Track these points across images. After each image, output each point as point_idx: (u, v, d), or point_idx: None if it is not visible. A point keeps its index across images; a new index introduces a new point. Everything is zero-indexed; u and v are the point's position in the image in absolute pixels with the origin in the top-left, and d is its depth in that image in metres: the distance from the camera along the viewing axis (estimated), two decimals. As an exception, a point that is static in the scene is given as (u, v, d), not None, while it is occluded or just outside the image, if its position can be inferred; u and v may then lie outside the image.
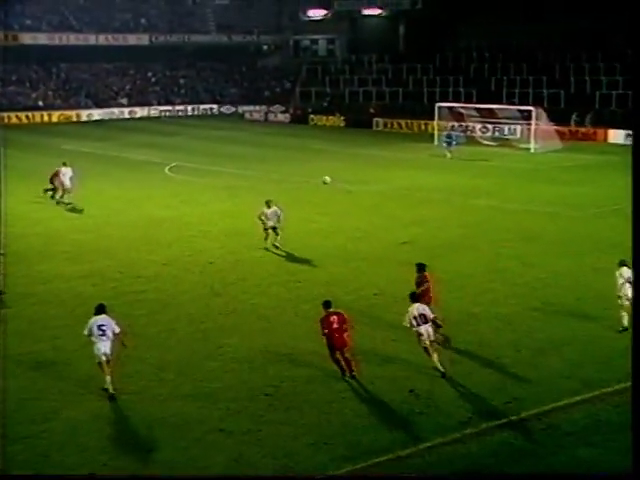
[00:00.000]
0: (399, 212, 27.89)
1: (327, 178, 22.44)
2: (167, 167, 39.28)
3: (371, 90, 64.42)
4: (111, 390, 13.08)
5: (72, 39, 72.63)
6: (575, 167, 38.87)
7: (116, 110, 70.22)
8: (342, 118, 61.78)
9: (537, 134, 44.51)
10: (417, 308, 13.81)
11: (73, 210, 28.68)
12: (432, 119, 49.81)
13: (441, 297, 15.92)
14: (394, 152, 45.32)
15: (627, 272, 14.96)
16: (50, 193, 29.85)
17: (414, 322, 13.70)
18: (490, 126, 49.10)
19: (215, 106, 74.87)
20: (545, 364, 14.34)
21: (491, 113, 48.62)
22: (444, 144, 41.97)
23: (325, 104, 66.12)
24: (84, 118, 67.61)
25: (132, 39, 75.56)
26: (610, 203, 27.89)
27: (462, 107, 49.87)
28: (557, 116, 47.54)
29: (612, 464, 10.86)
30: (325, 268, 20.82)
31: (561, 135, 46.22)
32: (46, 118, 66.08)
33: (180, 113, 72.93)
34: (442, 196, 30.65)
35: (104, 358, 13.12)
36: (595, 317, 16.48)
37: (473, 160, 40.51)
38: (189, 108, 73.84)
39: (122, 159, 42.83)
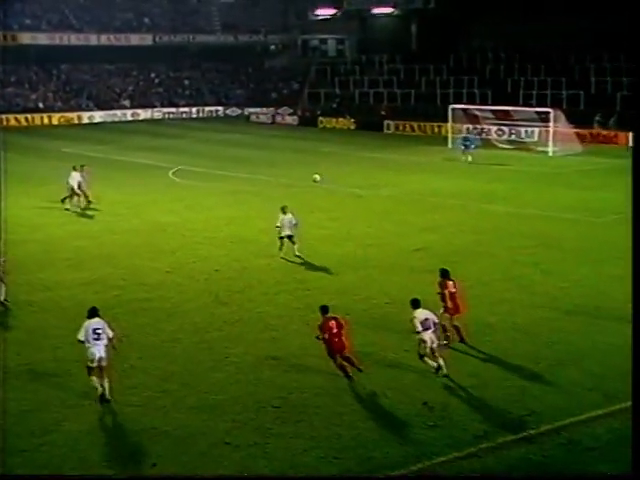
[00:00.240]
0: (412, 218, 27.90)
1: (317, 176, 22.53)
2: (171, 171, 39.44)
3: (382, 91, 64.52)
4: (108, 396, 13.24)
5: (73, 39, 73.10)
6: (595, 171, 38.79)
7: (118, 112, 70.60)
8: (352, 120, 61.91)
9: (556, 137, 44.46)
10: (421, 313, 14.06)
11: (84, 215, 28.70)
12: (445, 121, 49.88)
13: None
14: (406, 155, 45.36)
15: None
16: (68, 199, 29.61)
17: (421, 327, 13.93)
18: (506, 129, 49.07)
19: (220, 108, 75.19)
20: (565, 376, 14.29)
21: (507, 115, 48.59)
22: (461, 147, 41.92)
23: (334, 106, 66.26)
24: (85, 120, 68.01)
25: (135, 39, 75.98)
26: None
27: (477, 109, 49.88)
28: (577, 118, 47.47)
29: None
30: (335, 276, 20.84)
31: (581, 138, 46.13)
32: (46, 120, 66.49)
33: (184, 115, 73.26)
34: (456, 201, 30.64)
35: (98, 363, 13.27)
36: (616, 327, 16.42)
37: (488, 164, 40.48)
38: (193, 110, 74.19)
39: (124, 163, 43.02)
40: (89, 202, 29.76)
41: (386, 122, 59.33)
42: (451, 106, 49.62)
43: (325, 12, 76.10)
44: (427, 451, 11.80)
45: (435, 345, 14.08)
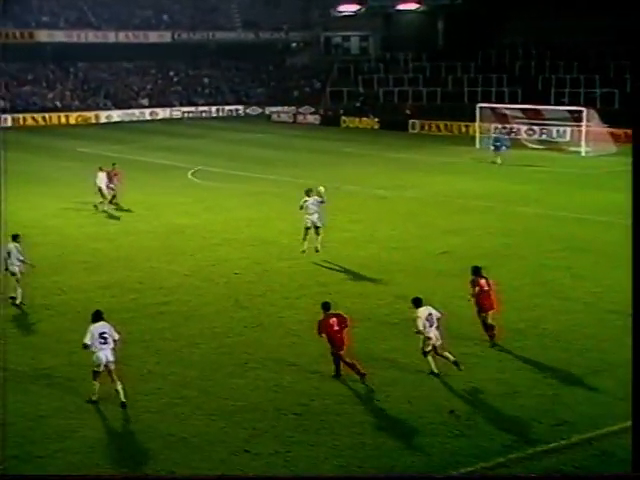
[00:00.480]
0: (437, 220, 27.82)
1: (321, 189, 22.56)
2: (190, 172, 39.65)
3: (407, 90, 64.43)
4: (122, 398, 13.40)
5: (91, 36, 73.83)
6: (629, 172, 38.33)
7: (136, 111, 71.16)
8: (376, 120, 61.88)
9: (588, 137, 44.15)
10: (424, 311, 14.33)
11: (101, 217, 28.87)
12: (473, 121, 49.74)
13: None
14: (432, 156, 45.24)
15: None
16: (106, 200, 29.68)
17: (426, 324, 14.17)
18: (536, 128, 48.81)
19: (240, 107, 75.49)
20: (598, 385, 14.17)
21: (538, 114, 48.33)
22: (492, 148, 41.65)
23: (358, 105, 66.26)
24: (103, 120, 68.61)
25: (153, 36, 76.57)
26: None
27: (506, 108, 49.64)
28: (611, 117, 47.06)
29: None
30: (358, 279, 20.82)
31: (615, 138, 45.69)
32: (63, 120, 67.16)
33: (204, 114, 73.65)
34: (484, 203, 30.51)
35: (106, 367, 13.42)
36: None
37: (518, 165, 40.27)
38: (213, 109, 74.56)
39: (142, 163, 43.30)
40: (116, 203, 29.84)
41: (411, 121, 59.22)
42: (479, 105, 49.47)
43: (348, 8, 76.11)
44: (453, 461, 11.74)
45: (439, 343, 14.32)
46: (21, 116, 65.35)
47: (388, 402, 13.58)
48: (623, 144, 45.48)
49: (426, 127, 58.40)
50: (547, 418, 12.96)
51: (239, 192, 33.86)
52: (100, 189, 29.31)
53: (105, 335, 13.50)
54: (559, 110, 48.07)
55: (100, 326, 13.63)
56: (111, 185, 29.67)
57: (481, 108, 48.83)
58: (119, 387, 13.46)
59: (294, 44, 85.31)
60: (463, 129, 54.77)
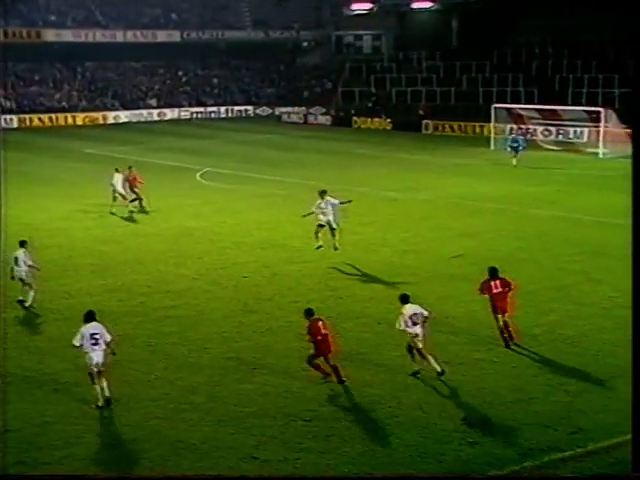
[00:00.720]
0: (451, 223, 27.79)
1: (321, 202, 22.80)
2: (199, 173, 39.78)
3: (420, 90, 64.37)
4: (107, 394, 13.59)
5: (98, 36, 74.11)
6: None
7: (144, 112, 71.38)
8: (388, 120, 61.88)
9: (606, 137, 44.00)
10: (409, 309, 14.51)
11: (108, 219, 28.98)
12: (488, 121, 49.67)
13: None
14: (445, 157, 45.20)
15: None
16: (134, 202, 29.85)
17: (409, 322, 14.35)
18: (553, 129, 48.69)
19: (250, 107, 75.63)
20: (615, 392, 14.10)
21: (554, 115, 48.22)
22: (508, 149, 41.46)
23: (370, 105, 66.28)
24: (110, 120, 68.85)
25: (162, 36, 76.81)
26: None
27: (522, 108, 49.55)
28: (630, 118, 46.79)
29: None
30: (368, 283, 20.85)
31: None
32: (70, 120, 67.43)
33: (213, 115, 73.84)
34: (499, 205, 30.46)
35: (96, 369, 13.56)
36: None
37: (534, 166, 40.18)
38: (222, 110, 74.72)
39: (150, 164, 43.37)
40: (142, 206, 30.01)
41: (424, 122, 59.20)
42: (494, 105, 49.40)
43: (360, 7, 76.10)
44: (466, 469, 11.73)
45: (421, 343, 14.43)
46: (28, 117, 65.69)
47: (400, 408, 13.59)
48: (642, 145, 45.45)
49: (440, 128, 58.36)
50: (563, 425, 12.93)
51: (248, 194, 33.94)
52: (115, 190, 29.41)
53: (96, 336, 13.62)
54: (576, 110, 47.96)
55: (92, 327, 13.77)
56: (136, 190, 29.75)
57: (496, 108, 48.77)
58: (104, 383, 13.59)
59: (305, 43, 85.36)
60: (477, 130, 54.70)
